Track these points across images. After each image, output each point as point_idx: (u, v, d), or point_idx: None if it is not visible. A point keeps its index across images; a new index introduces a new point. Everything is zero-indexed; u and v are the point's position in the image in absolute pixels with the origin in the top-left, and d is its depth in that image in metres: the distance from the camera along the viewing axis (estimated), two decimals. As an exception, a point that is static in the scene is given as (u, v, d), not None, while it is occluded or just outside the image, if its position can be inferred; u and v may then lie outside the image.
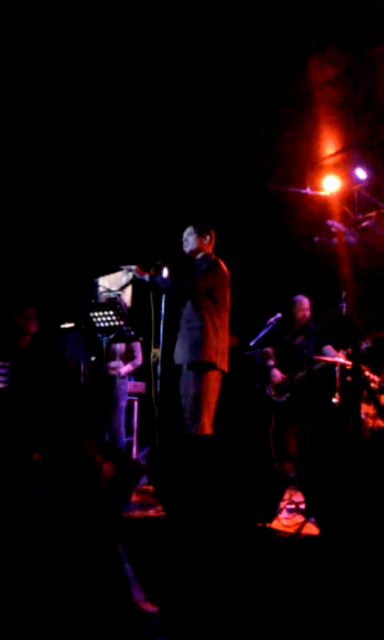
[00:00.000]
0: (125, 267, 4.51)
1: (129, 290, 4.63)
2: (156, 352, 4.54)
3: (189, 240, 4.60)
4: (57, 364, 5.41)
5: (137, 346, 5.63)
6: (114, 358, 5.47)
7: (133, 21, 5.58)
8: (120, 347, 5.53)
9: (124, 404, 5.59)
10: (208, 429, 4.24)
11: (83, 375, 5.52)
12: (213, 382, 4.32)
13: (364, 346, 4.95)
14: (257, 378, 5.42)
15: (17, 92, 6.14)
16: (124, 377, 5.55)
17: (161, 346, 4.46)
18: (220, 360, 4.34)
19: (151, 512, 3.66)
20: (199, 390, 4.26)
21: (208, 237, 4.61)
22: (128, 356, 5.62)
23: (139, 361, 5.65)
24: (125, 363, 5.60)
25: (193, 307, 4.40)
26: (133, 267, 4.49)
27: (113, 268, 4.76)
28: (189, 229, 4.62)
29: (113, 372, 5.47)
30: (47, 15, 5.50)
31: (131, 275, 4.50)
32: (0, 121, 6.26)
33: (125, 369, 5.57)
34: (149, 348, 4.76)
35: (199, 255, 4.59)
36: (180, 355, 4.40)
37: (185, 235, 4.63)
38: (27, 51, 5.79)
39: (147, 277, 4.45)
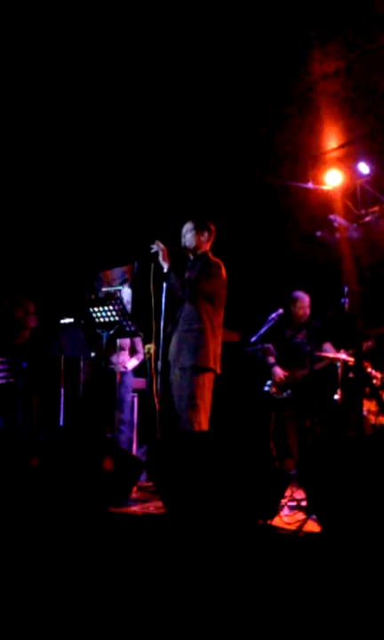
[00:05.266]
0: (156, 244, 4.40)
1: (128, 285, 4.59)
2: (150, 347, 4.50)
3: (188, 237, 4.54)
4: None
5: (138, 340, 5.60)
6: (117, 352, 5.42)
7: (133, 17, 5.54)
8: (125, 341, 5.49)
9: (129, 398, 5.56)
10: (205, 428, 4.26)
11: (82, 371, 5.50)
12: (209, 382, 4.35)
13: (367, 345, 4.92)
14: (257, 374, 5.39)
15: (17, 87, 6.12)
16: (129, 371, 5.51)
17: (161, 341, 4.42)
18: (217, 363, 4.38)
19: (151, 508, 3.63)
20: (196, 391, 4.28)
21: (207, 234, 4.55)
22: (133, 351, 5.58)
23: (142, 355, 5.61)
24: (131, 357, 5.55)
25: (191, 309, 4.37)
26: (162, 247, 4.40)
27: (112, 263, 4.74)
28: (189, 225, 4.56)
29: (112, 367, 5.43)
30: (47, 14, 5.47)
31: (155, 251, 4.40)
32: (1, 116, 6.24)
33: (132, 364, 5.53)
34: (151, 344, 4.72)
35: (196, 253, 4.54)
36: (176, 356, 4.38)
37: (184, 230, 4.57)
38: (27, 48, 5.77)
39: (166, 267, 4.39)
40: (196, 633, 2.48)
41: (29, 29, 5.64)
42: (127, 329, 4.59)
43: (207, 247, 4.57)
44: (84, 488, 3.69)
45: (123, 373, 5.44)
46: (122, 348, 5.44)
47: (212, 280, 4.37)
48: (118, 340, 5.26)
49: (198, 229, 4.52)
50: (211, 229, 4.57)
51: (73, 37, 5.72)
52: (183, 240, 4.57)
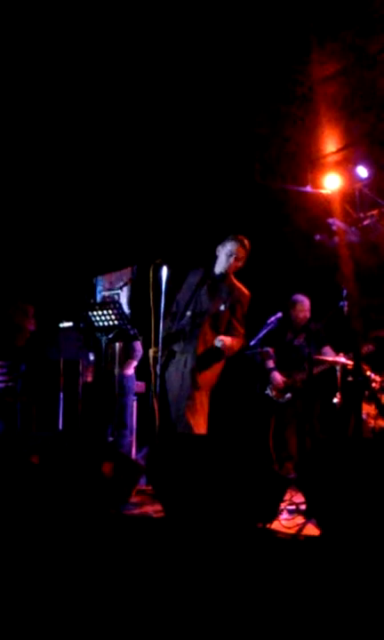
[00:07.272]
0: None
1: (127, 289, 4.58)
2: (152, 351, 4.49)
3: (229, 260, 4.49)
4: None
5: (136, 343, 5.55)
6: (114, 362, 5.36)
7: (132, 17, 5.54)
8: (118, 347, 5.45)
9: (130, 401, 5.52)
10: (203, 432, 4.28)
11: (82, 374, 5.48)
12: (207, 386, 4.42)
13: (367, 349, 4.92)
14: (257, 377, 5.38)
15: (18, 89, 6.12)
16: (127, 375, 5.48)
17: (160, 345, 4.41)
18: None
19: (151, 512, 3.63)
20: (195, 395, 4.33)
21: None
22: (127, 353, 5.53)
23: (139, 353, 5.55)
24: (126, 360, 5.50)
25: (216, 349, 4.41)
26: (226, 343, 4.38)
27: (112, 267, 4.73)
28: (240, 251, 4.50)
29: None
30: (47, 14, 5.47)
31: None
32: (0, 118, 6.24)
33: (131, 368, 5.49)
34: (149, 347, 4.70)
35: (223, 272, 4.53)
36: (183, 374, 4.40)
37: (231, 249, 4.50)
38: (27, 49, 5.76)
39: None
40: (196, 636, 2.47)
41: (29, 30, 5.64)
42: (129, 332, 4.58)
43: None
44: (84, 492, 3.69)
45: (120, 377, 5.41)
46: (115, 356, 5.40)
47: (243, 316, 4.48)
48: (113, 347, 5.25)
49: (243, 257, 4.51)
50: None
51: (71, 37, 5.72)
52: (224, 257, 4.52)
